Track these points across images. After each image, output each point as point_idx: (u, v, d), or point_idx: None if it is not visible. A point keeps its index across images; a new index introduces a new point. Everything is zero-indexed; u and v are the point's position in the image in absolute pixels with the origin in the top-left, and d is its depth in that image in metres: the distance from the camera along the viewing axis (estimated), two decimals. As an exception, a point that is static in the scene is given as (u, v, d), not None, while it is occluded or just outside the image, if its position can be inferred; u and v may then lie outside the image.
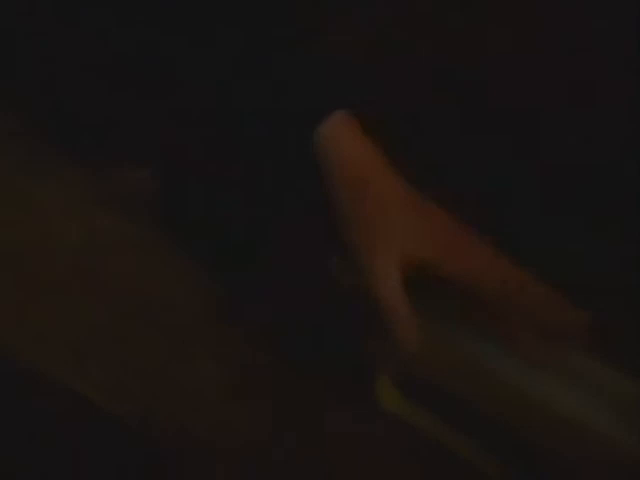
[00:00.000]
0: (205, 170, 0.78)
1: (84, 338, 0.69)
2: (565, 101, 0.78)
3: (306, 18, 0.77)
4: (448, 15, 0.79)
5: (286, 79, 0.71)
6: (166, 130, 0.78)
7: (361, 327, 0.67)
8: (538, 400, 0.65)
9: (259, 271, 0.71)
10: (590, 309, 0.66)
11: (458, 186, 0.68)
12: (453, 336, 0.66)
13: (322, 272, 0.69)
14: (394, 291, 0.60)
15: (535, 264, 0.65)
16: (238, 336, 0.72)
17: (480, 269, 0.62)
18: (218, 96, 0.73)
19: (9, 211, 0.76)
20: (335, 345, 0.69)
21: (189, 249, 0.76)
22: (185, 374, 0.69)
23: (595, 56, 0.76)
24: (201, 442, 0.65)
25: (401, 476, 0.67)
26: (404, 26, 0.79)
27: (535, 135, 0.79)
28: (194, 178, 0.79)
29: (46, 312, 0.70)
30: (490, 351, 0.66)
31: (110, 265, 0.74)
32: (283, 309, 0.70)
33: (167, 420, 0.66)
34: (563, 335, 0.63)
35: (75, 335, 0.69)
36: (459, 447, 0.69)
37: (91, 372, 0.67)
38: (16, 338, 0.68)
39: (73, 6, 0.76)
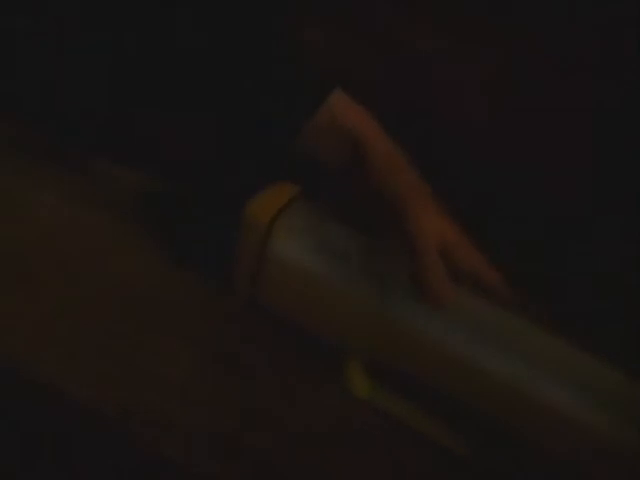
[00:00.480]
0: (197, 171, 0.78)
1: (72, 337, 0.69)
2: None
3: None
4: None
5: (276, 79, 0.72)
6: (160, 131, 0.78)
7: None
8: (513, 385, 0.65)
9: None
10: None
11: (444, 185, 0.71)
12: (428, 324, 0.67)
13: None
14: (433, 251, 0.67)
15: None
16: (226, 333, 0.72)
17: (475, 258, 0.70)
18: (207, 98, 0.73)
19: (5, 211, 0.76)
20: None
21: (178, 249, 0.75)
22: (171, 371, 0.68)
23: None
24: (192, 441, 0.65)
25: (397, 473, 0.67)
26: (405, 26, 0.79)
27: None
28: (186, 178, 0.78)
29: (37, 312, 0.70)
30: (462, 336, 0.66)
31: (100, 264, 0.73)
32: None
33: (154, 417, 0.65)
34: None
35: (64, 334, 0.69)
36: (431, 431, 0.68)
37: (80, 371, 0.67)
38: (8, 338, 0.68)
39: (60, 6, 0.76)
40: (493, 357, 0.66)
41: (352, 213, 0.72)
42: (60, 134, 0.80)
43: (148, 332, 0.70)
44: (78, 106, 0.79)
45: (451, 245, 0.68)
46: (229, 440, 0.65)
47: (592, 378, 0.65)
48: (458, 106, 0.79)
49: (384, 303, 0.68)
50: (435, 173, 0.70)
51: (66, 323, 0.69)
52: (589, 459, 0.64)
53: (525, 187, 0.78)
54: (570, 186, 0.78)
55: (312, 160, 0.73)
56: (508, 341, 0.66)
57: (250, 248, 0.70)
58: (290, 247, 0.69)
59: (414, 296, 0.67)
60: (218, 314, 0.73)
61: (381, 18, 0.79)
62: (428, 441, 0.68)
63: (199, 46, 0.72)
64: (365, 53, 0.80)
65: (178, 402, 0.66)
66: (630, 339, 0.71)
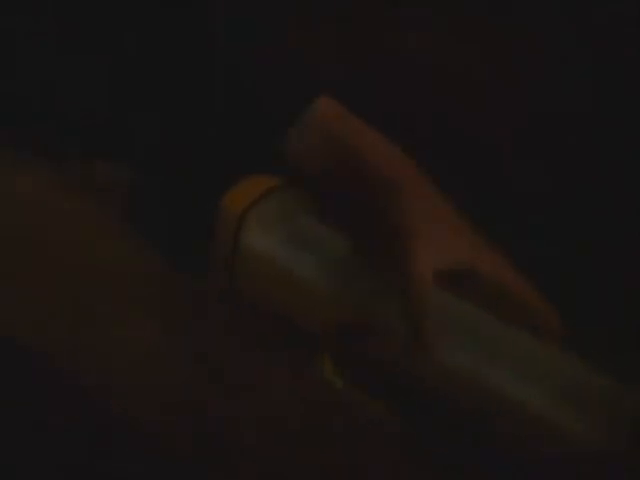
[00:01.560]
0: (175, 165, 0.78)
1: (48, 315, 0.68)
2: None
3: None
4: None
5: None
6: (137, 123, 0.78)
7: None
8: (489, 386, 0.64)
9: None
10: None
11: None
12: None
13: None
14: (427, 295, 0.61)
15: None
16: (208, 326, 0.71)
17: (499, 269, 0.65)
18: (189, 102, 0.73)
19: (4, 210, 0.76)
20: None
21: (155, 238, 0.75)
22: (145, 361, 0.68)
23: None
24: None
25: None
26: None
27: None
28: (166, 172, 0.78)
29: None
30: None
31: (95, 255, 0.73)
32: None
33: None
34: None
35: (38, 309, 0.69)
36: (402, 425, 0.67)
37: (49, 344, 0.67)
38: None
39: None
40: (471, 357, 0.64)
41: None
42: (60, 134, 0.80)
43: (129, 319, 0.69)
44: (78, 106, 0.79)
45: (471, 257, 0.63)
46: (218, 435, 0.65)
47: (574, 381, 0.63)
48: (458, 106, 0.79)
49: (356, 294, 0.67)
50: (439, 173, 0.70)
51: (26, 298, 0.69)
52: (571, 460, 0.63)
53: (525, 187, 0.78)
54: (570, 186, 0.78)
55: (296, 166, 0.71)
56: (486, 341, 0.65)
57: (223, 240, 0.69)
58: (261, 238, 0.68)
59: (386, 286, 0.66)
60: (198, 304, 0.71)
61: (380, 18, 0.79)
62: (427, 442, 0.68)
63: (198, 47, 0.73)
64: (364, 53, 0.80)
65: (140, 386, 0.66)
66: (626, 339, 0.71)
